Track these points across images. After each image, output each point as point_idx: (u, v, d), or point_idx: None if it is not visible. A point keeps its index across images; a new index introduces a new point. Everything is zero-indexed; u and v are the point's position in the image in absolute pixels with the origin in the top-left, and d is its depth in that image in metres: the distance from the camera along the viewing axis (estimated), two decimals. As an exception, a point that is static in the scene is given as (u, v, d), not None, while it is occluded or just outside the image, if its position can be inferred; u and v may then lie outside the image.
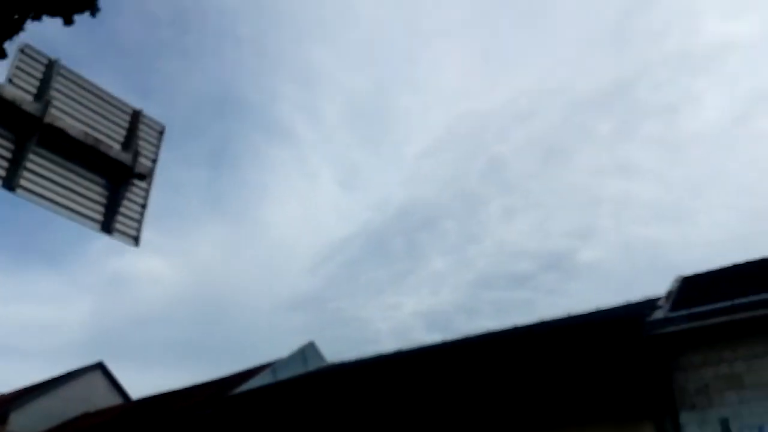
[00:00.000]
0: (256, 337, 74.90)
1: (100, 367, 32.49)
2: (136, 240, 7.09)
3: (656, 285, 17.12)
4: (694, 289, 14.21)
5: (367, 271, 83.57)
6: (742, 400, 10.91)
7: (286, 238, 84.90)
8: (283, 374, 21.25)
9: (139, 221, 7.37)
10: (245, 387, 19.65)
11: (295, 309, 79.33)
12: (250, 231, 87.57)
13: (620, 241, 69.26)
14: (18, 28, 6.27)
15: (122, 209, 7.21)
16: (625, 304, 15.51)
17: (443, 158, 79.35)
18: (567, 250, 74.28)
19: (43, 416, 29.39)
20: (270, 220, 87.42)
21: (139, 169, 7.42)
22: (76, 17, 6.60)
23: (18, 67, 6.58)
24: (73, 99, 7.09)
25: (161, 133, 7.90)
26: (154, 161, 7.71)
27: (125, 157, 7.30)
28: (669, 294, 14.29)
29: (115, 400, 32.23)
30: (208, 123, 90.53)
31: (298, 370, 22.04)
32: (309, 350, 23.00)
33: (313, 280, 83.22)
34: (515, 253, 76.75)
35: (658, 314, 12.81)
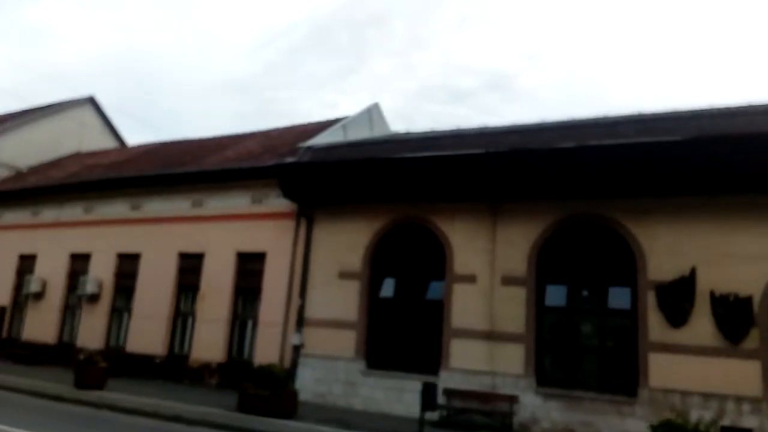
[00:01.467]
0: (189, 115, 69.23)
1: (92, 102, 28.28)
2: None
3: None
4: None
5: (308, 64, 77.37)
6: None
7: (224, 11, 76.00)
8: (353, 132, 18.36)
9: None
10: (318, 140, 16.68)
11: (229, 92, 73.52)
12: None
13: (565, 69, 66.18)
14: None
15: None
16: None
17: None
18: (512, 71, 70.70)
19: (32, 147, 25.85)
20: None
21: None
22: None
23: None
24: None
25: None
26: None
27: None
28: None
29: (109, 142, 28.72)
30: None
31: (364, 129, 19.18)
32: (374, 111, 19.95)
33: (251, 65, 76.34)
34: (461, 67, 72.45)
35: None
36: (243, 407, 11.45)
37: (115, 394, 12.97)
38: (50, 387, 13.49)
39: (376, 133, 19.59)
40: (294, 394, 11.59)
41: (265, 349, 15.35)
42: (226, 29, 75.60)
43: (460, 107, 70.60)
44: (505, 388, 12.28)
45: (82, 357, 13.95)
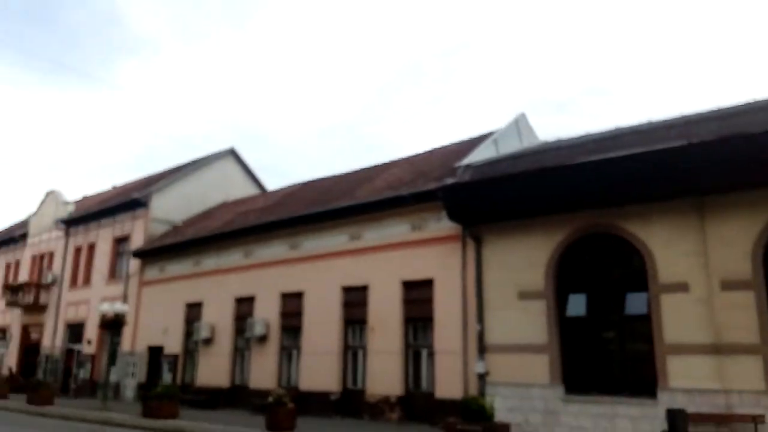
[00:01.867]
0: (296, 161, 70.99)
1: (232, 154, 29.69)
2: None
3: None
4: None
5: (402, 96, 77.79)
6: None
7: (315, 60, 78.32)
8: (503, 146, 17.55)
9: None
10: (472, 157, 16.02)
11: (331, 134, 75.08)
12: (276, 50, 79.98)
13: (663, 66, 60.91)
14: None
15: None
16: None
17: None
18: (611, 75, 66.40)
19: (182, 201, 27.34)
20: (297, 35, 79.22)
21: None
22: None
23: None
24: None
25: None
26: None
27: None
28: None
29: (251, 189, 29.89)
30: None
31: (513, 141, 18.31)
32: (521, 121, 19.06)
33: (349, 105, 78.07)
34: (554, 77, 69.53)
35: None
36: (451, 444, 10.72)
37: (311, 435, 12.73)
38: None
39: (525, 144, 18.64)
40: (507, 427, 10.70)
41: (446, 380, 14.65)
42: (326, 76, 78.43)
43: (562, 116, 68.09)
44: (743, 407, 10.64)
45: (271, 399, 13.92)
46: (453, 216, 14.49)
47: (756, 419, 10.34)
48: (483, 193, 13.88)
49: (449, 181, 14.57)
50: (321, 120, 77.05)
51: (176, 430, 14.51)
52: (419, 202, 15.61)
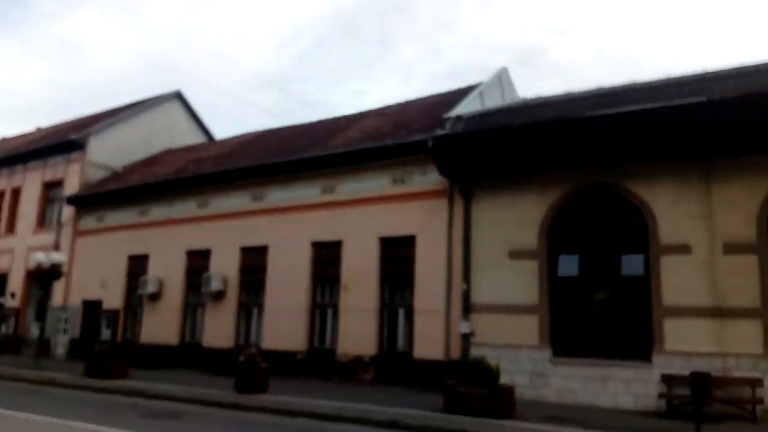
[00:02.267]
0: (223, 114, 67.72)
1: (178, 98, 27.43)
2: None
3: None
4: None
5: (336, 54, 76.29)
6: None
7: (250, 9, 74.94)
8: (488, 101, 16.80)
9: None
10: (459, 109, 15.17)
11: (260, 89, 72.38)
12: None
13: (596, 43, 62.76)
14: None
15: None
16: None
17: None
18: (542, 46, 67.75)
19: (123, 146, 25.10)
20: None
21: None
22: None
23: None
24: None
25: None
26: None
27: None
28: None
29: (197, 137, 27.86)
30: None
31: (496, 96, 17.60)
32: (504, 76, 18.35)
33: (280, 60, 75.46)
34: (489, 45, 70.30)
35: None
36: (452, 408, 10.08)
37: (292, 397, 11.76)
38: (216, 394, 12.29)
39: (508, 100, 17.98)
40: (511, 390, 10.17)
41: (426, 340, 14.07)
42: (253, 27, 74.87)
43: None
44: (740, 371, 10.61)
45: (242, 358, 12.84)
46: (443, 170, 13.67)
47: (754, 383, 10.32)
48: (478, 146, 13.10)
49: (440, 131, 13.69)
50: (249, 73, 73.60)
51: (133, 391, 13.14)
52: (404, 154, 14.69)
